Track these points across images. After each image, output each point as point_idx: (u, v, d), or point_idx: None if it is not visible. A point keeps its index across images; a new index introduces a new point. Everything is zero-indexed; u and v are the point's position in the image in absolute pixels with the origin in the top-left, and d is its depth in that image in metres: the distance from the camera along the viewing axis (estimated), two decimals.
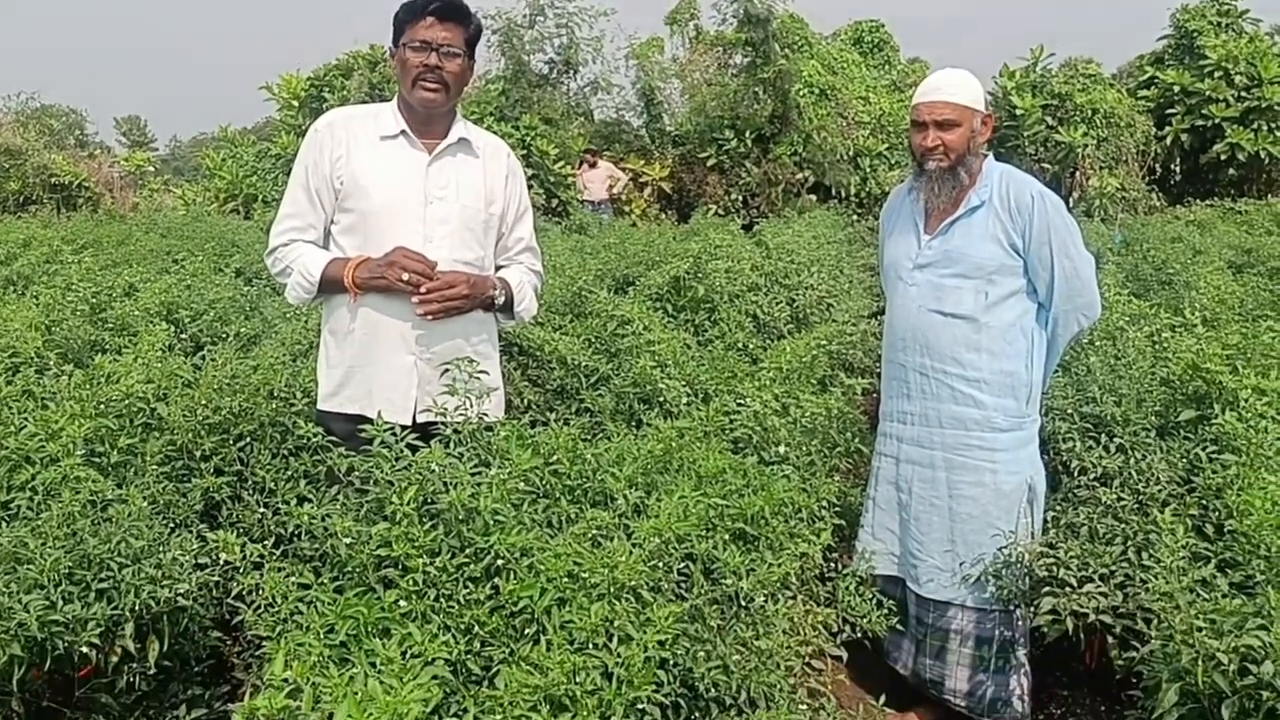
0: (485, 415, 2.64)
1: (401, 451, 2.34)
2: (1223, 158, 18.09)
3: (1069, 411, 3.62)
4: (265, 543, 2.36)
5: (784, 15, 17.81)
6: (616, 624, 2.01)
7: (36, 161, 18.09)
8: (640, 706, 1.93)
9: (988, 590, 3.14)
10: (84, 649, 2.28)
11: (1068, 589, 2.76)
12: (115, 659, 2.38)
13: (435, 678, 1.83)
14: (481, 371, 2.71)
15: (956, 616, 3.27)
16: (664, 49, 19.96)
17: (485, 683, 1.98)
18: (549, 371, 4.29)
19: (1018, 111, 17.88)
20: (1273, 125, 17.87)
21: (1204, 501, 2.94)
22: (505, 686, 1.85)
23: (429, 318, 2.76)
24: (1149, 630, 2.38)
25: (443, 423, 2.60)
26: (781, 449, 3.27)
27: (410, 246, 2.77)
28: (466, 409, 2.61)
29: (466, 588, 2.10)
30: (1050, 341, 3.29)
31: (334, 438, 2.64)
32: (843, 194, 17.80)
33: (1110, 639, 2.71)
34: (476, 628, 2.04)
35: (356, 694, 1.73)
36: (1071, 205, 15.30)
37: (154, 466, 2.94)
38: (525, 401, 4.15)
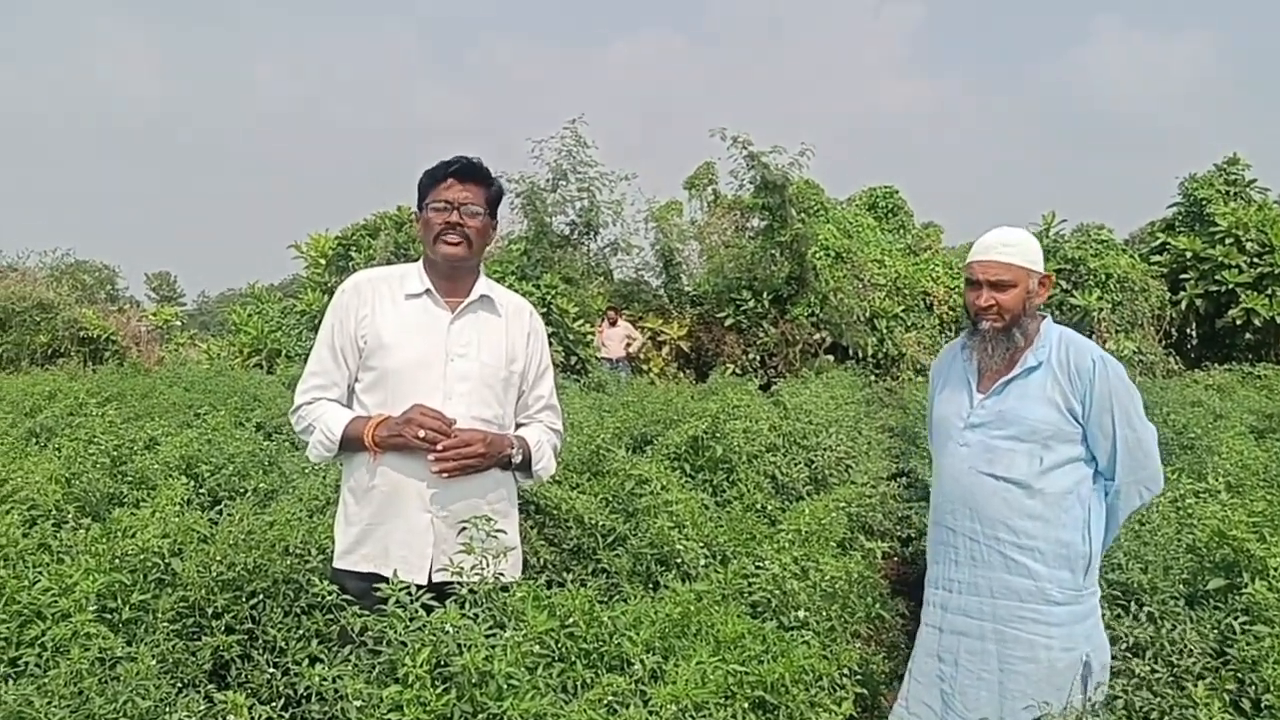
0: (502, 575, 2.61)
1: (416, 612, 2.31)
2: (1238, 323, 18.23)
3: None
4: (274, 704, 2.31)
5: (800, 181, 18.28)
6: None
7: (67, 315, 18.49)
8: None
9: None
10: None
11: None
12: None
13: None
14: (499, 530, 2.69)
15: None
16: (683, 212, 20.51)
17: None
18: (565, 531, 4.26)
19: None
20: None
21: (1239, 675, 2.85)
22: None
23: (445, 476, 2.76)
24: None
25: (459, 582, 2.57)
26: (801, 613, 3.20)
27: (430, 403, 2.80)
28: (483, 568, 2.58)
29: None
30: (1109, 513, 3.11)
31: (348, 595, 2.60)
32: (860, 354, 17.95)
33: None
34: None
35: None
36: None
37: (165, 623, 2.91)
38: (541, 561, 4.11)
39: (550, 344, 3.29)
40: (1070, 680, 2.99)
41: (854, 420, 8.26)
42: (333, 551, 2.99)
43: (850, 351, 17.91)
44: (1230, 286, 18.42)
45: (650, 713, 2.15)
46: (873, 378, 16.98)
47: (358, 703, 2.11)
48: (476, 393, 2.88)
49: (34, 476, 4.31)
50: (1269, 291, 18.16)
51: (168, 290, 66.68)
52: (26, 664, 2.62)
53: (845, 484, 5.44)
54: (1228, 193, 19.97)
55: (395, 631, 2.27)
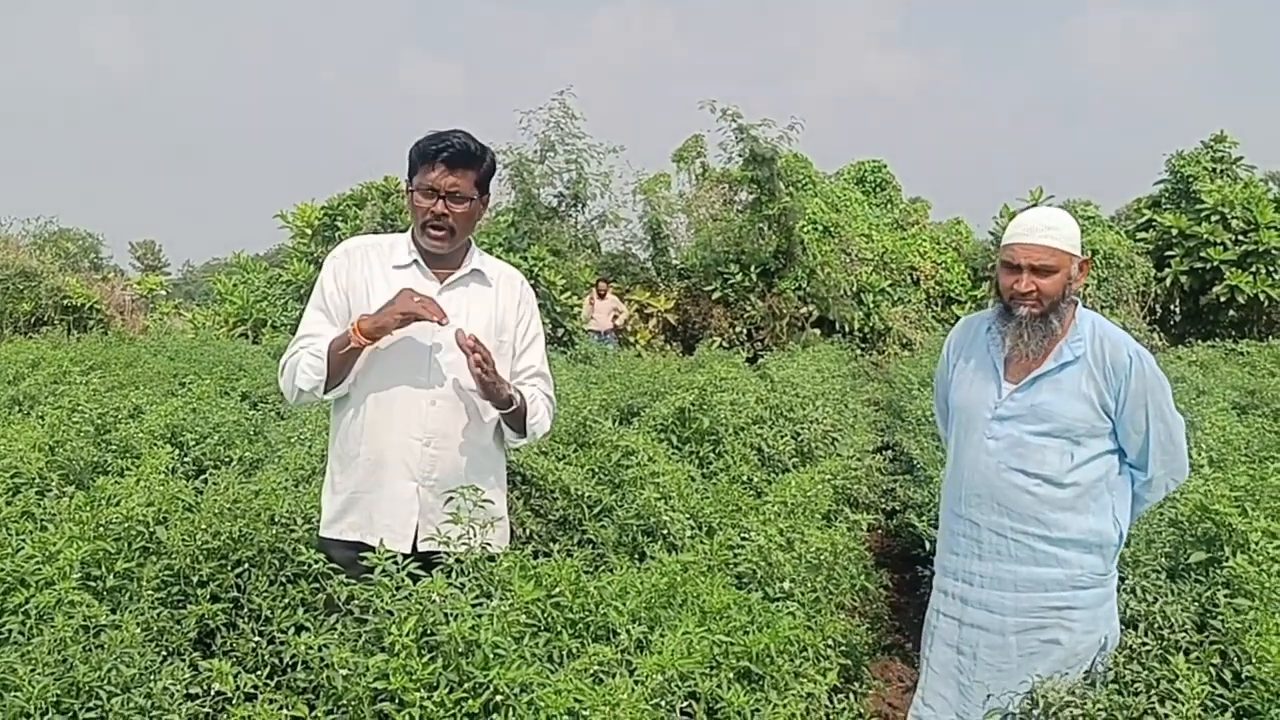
0: (489, 545, 2.61)
1: (402, 580, 2.31)
2: (1222, 300, 18.33)
3: None
4: (259, 673, 2.31)
5: (788, 155, 18.23)
6: None
7: (50, 283, 18.34)
8: None
9: None
10: None
11: None
12: None
13: None
14: (486, 500, 2.69)
15: None
16: (671, 185, 20.42)
17: None
18: (552, 501, 4.26)
19: None
20: (1270, 269, 18.14)
21: (1223, 647, 2.87)
22: None
23: (475, 369, 2.72)
24: None
25: (445, 552, 2.57)
26: (786, 585, 3.22)
27: (417, 375, 2.80)
28: (469, 538, 2.58)
29: None
30: (1134, 501, 3.06)
31: (334, 564, 2.60)
32: (846, 329, 17.96)
33: None
34: None
35: None
36: None
37: (149, 592, 2.90)
38: (528, 532, 4.11)
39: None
40: (1087, 662, 2.97)
41: (840, 394, 8.28)
42: (319, 520, 2.98)
43: (837, 325, 17.92)
44: (1215, 264, 18.49)
45: (636, 682, 2.16)
46: (859, 352, 17.00)
47: (344, 671, 2.12)
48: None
49: (17, 444, 4.29)
50: (1253, 269, 18.23)
51: (152, 259, 66.15)
52: (10, 631, 2.61)
53: (831, 457, 5.46)
54: (1214, 170, 20.01)
55: (381, 600, 2.27)
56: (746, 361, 10.93)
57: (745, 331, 17.46)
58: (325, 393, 2.87)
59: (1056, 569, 2.94)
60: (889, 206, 22.95)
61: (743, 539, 3.40)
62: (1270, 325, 18.27)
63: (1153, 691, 2.74)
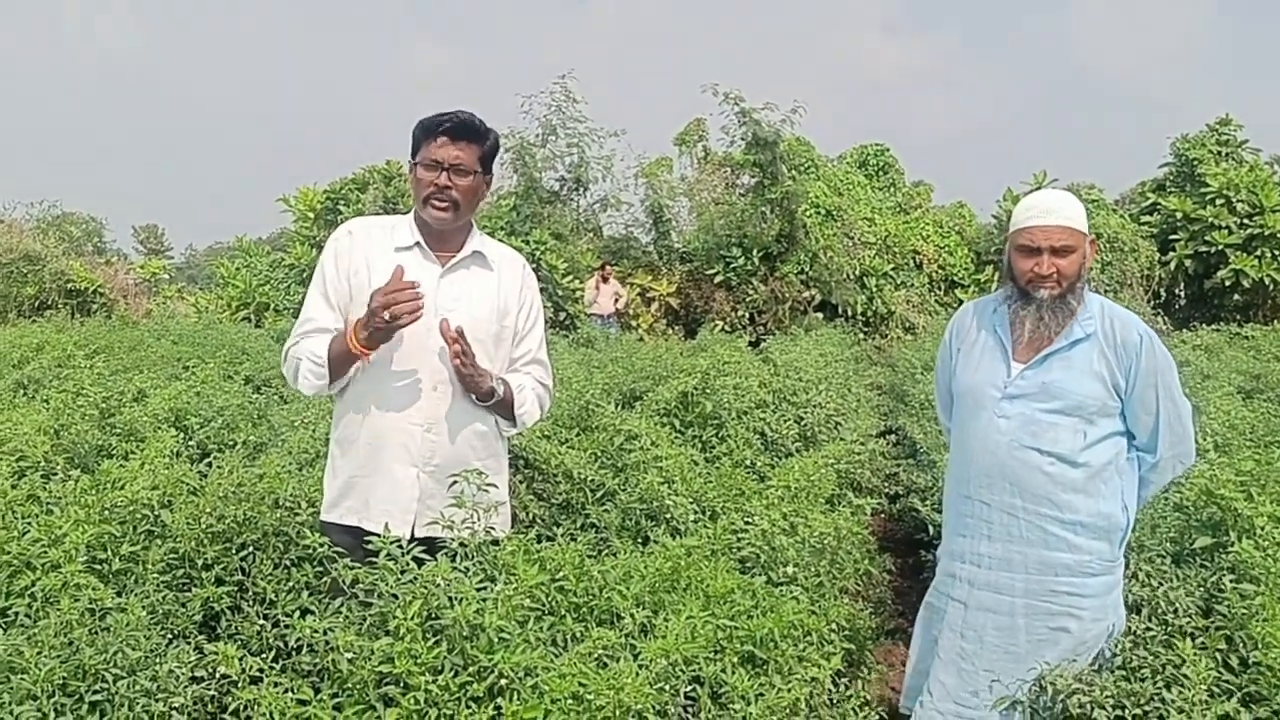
0: (492, 529, 2.61)
1: (406, 565, 2.31)
2: (1227, 283, 18.29)
3: None
4: (264, 656, 2.32)
5: (791, 138, 18.18)
6: None
7: (54, 267, 18.35)
8: None
9: None
10: None
11: None
12: None
13: None
14: (490, 484, 2.69)
15: None
16: (673, 168, 20.38)
17: None
18: (555, 485, 4.26)
19: None
20: (1276, 253, 18.09)
21: (1229, 633, 2.87)
22: None
23: (455, 363, 2.72)
24: None
25: (446, 538, 2.57)
26: (790, 569, 3.22)
27: (418, 358, 2.79)
28: (471, 522, 2.58)
29: (469, 708, 2.05)
30: (1142, 485, 3.06)
31: (335, 548, 2.60)
32: (849, 312, 17.95)
33: None
34: None
35: None
36: None
37: (155, 575, 2.90)
38: (530, 516, 4.12)
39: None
40: (1096, 648, 2.96)
41: (843, 378, 8.28)
42: (322, 504, 2.99)
43: (839, 309, 17.90)
44: (1220, 247, 18.46)
45: (640, 666, 2.17)
46: (862, 336, 17.01)
47: (349, 655, 2.12)
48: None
49: (22, 428, 4.30)
50: (1258, 253, 18.20)
51: (155, 243, 66.24)
52: (16, 614, 2.62)
53: (834, 441, 5.46)
54: (1219, 153, 19.96)
55: (386, 584, 2.27)
56: (749, 346, 10.92)
57: (747, 315, 17.44)
58: (329, 390, 2.89)
59: (1066, 554, 2.93)
60: (892, 190, 22.89)
61: (746, 523, 3.40)
62: (1275, 309, 18.24)
63: (1158, 677, 2.73)
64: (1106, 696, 2.67)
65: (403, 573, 2.30)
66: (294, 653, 2.44)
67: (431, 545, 2.59)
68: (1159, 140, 20.98)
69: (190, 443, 4.76)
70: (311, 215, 19.21)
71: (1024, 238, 2.95)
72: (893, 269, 19.39)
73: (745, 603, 2.62)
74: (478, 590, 2.28)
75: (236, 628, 2.94)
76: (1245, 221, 18.47)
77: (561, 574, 2.56)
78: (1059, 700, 2.75)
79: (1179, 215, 19.20)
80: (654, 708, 2.08)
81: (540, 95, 17.28)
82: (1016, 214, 3.02)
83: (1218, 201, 18.68)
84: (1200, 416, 5.52)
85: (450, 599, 2.24)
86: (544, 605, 2.47)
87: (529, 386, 3.00)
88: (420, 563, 2.34)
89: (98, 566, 2.93)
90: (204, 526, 3.11)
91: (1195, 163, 19.70)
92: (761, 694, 2.33)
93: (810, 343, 10.71)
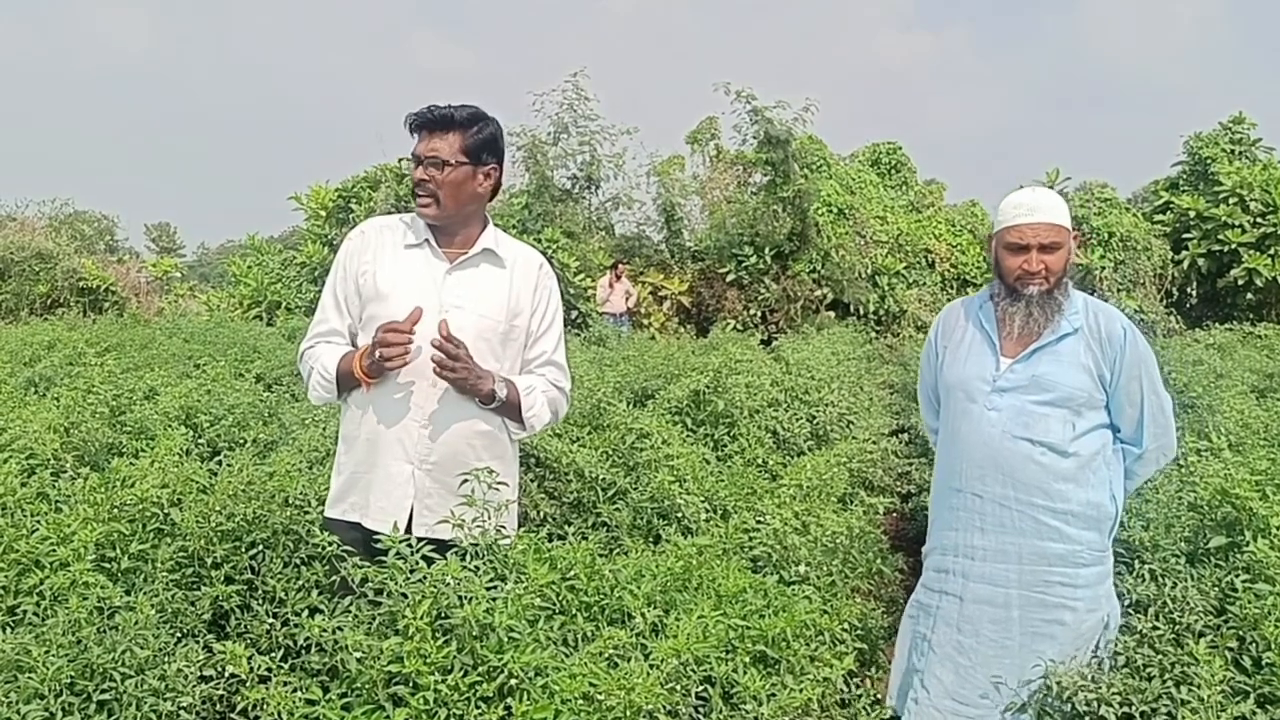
0: (503, 528, 2.59)
1: (416, 564, 2.30)
2: (1240, 282, 18.21)
3: None
4: (273, 654, 2.30)
5: (803, 137, 18.16)
6: None
7: (66, 266, 18.45)
8: None
9: None
10: None
11: None
12: None
13: None
14: (501, 483, 2.67)
15: None
16: (685, 167, 20.37)
17: None
18: (566, 484, 4.25)
19: None
20: None
21: (1240, 633, 2.85)
22: None
23: (436, 366, 2.71)
24: None
25: (443, 537, 2.56)
26: (802, 568, 3.20)
27: (422, 357, 2.75)
28: (474, 522, 2.55)
29: (479, 708, 2.04)
30: (1127, 477, 3.12)
31: (346, 547, 2.59)
32: (861, 311, 17.92)
33: None
34: None
35: None
36: None
37: (164, 573, 2.90)
38: (541, 514, 4.10)
39: None
40: (1091, 642, 2.99)
41: (855, 376, 8.26)
42: None
43: (852, 308, 17.88)
44: (1233, 246, 18.39)
45: (651, 666, 2.15)
46: (874, 334, 16.97)
47: (358, 654, 2.11)
48: (472, 346, 2.80)
49: (32, 426, 4.30)
50: (1271, 251, 18.12)
51: (167, 241, 66.53)
52: (24, 613, 2.61)
53: (846, 439, 5.44)
54: (1233, 152, 19.87)
55: (395, 583, 2.26)
56: (761, 344, 10.90)
57: (759, 314, 17.43)
58: (337, 401, 2.96)
59: (1058, 543, 2.98)
60: (904, 188, 22.85)
61: (758, 522, 3.39)
62: None
63: (1167, 676, 2.72)
64: (1114, 693, 2.67)
65: (412, 572, 2.28)
66: (303, 652, 2.42)
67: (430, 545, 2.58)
68: (1172, 139, 20.87)
69: (200, 441, 4.77)
70: (323, 213, 19.25)
71: (1012, 235, 3.04)
72: (905, 268, 19.35)
73: (757, 602, 2.61)
74: (488, 589, 2.27)
75: (245, 626, 2.93)
76: (1259, 220, 18.40)
77: (572, 573, 2.55)
78: (1065, 698, 2.74)
79: (1192, 214, 19.14)
80: (665, 708, 2.06)
81: (552, 93, 17.31)
82: (1002, 212, 3.09)
83: (1231, 200, 18.61)
84: (1214, 416, 5.49)
85: (460, 598, 2.22)
86: (554, 604, 2.45)
87: (539, 389, 2.95)
88: (431, 561, 2.32)
89: (106, 565, 2.92)
90: (213, 525, 3.10)
91: (1208, 161, 19.63)
92: (774, 694, 2.31)
93: (822, 341, 10.70)
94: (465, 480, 2.66)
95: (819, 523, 3.45)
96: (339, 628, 2.22)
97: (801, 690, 2.36)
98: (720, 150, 20.23)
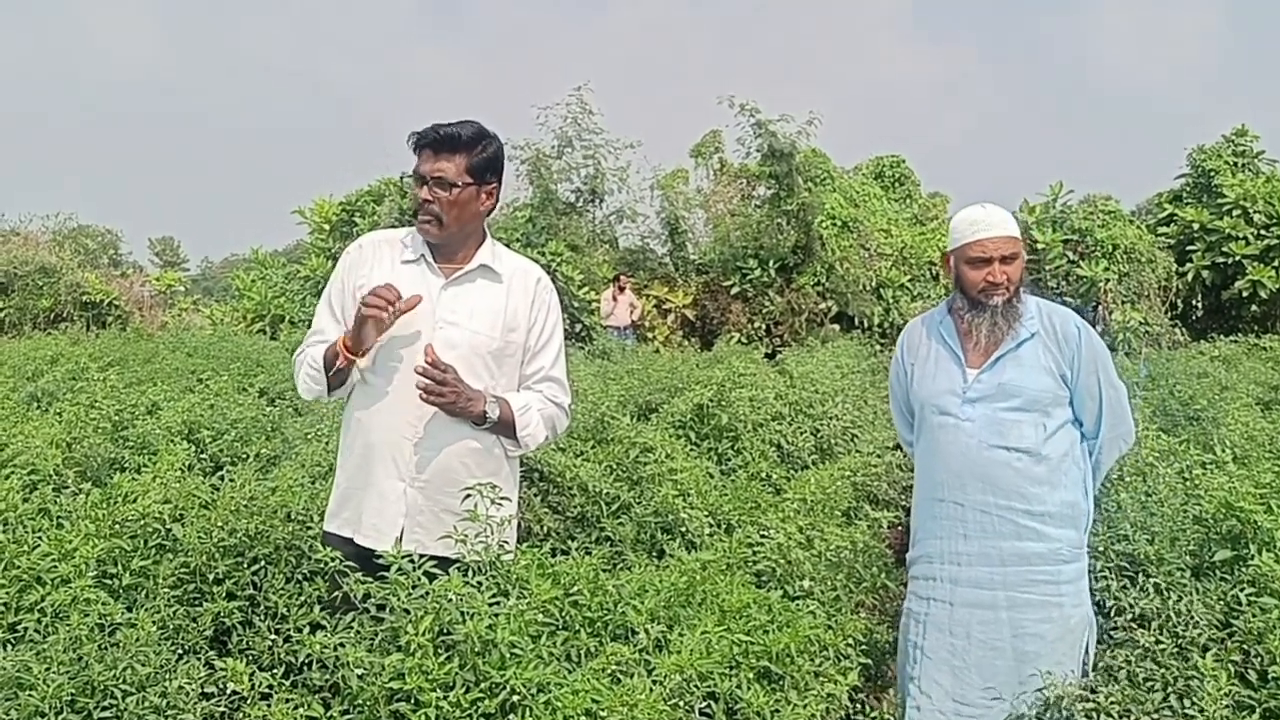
0: (505, 544, 2.58)
1: (418, 579, 2.29)
2: (1245, 294, 18.19)
3: (1101, 549, 3.53)
4: (275, 671, 2.29)
5: (807, 150, 18.15)
6: None
7: (70, 280, 18.49)
8: None
9: None
10: None
11: None
12: None
13: None
14: (504, 497, 2.66)
15: None
16: (689, 180, 20.38)
17: None
18: (569, 498, 4.24)
19: (1039, 246, 18.08)
20: None
21: (1245, 646, 2.83)
22: None
23: (421, 397, 2.70)
24: None
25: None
26: (806, 583, 3.19)
27: (411, 372, 2.74)
28: (469, 539, 2.54)
29: None
30: (1094, 469, 3.23)
31: (348, 563, 2.58)
32: (866, 324, 17.90)
33: None
34: None
35: None
36: None
37: (165, 590, 2.89)
38: (545, 529, 4.09)
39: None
40: (1082, 637, 3.07)
41: (859, 390, 8.23)
42: None
43: (856, 321, 17.85)
44: (1237, 258, 18.35)
45: (655, 682, 2.14)
46: (878, 347, 16.92)
47: (359, 671, 2.10)
48: (465, 361, 2.80)
49: (35, 441, 4.30)
50: (1276, 263, 18.09)
51: (171, 255, 66.63)
52: (26, 629, 2.60)
53: (851, 453, 5.43)
54: (1236, 164, 19.84)
55: (398, 599, 2.25)
56: (765, 357, 10.89)
57: (764, 327, 17.40)
58: (329, 396, 2.93)
59: (1039, 543, 3.08)
60: (908, 201, 22.90)
61: (762, 537, 3.38)
62: None
63: (1170, 689, 2.71)
64: (1112, 703, 2.68)
65: (414, 588, 2.27)
66: (304, 668, 2.41)
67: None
68: (1175, 151, 20.88)
69: (203, 456, 4.76)
70: (327, 227, 19.31)
71: (975, 250, 3.18)
72: (909, 280, 19.32)
73: (761, 617, 2.59)
74: (490, 605, 2.26)
75: (247, 643, 2.92)
76: (1262, 232, 18.37)
77: (576, 588, 2.54)
78: (1064, 709, 2.75)
79: (1196, 226, 19.10)
80: None
81: (556, 107, 17.32)
82: (959, 229, 3.24)
83: (1234, 212, 18.58)
84: (1219, 429, 5.47)
85: (462, 614, 2.22)
86: (557, 620, 2.44)
87: (535, 406, 2.93)
88: (434, 578, 2.31)
89: (108, 581, 2.92)
90: (215, 540, 3.10)
91: (1211, 173, 19.59)
92: (778, 710, 2.30)
93: (827, 354, 10.67)
94: (468, 495, 2.65)
95: (823, 537, 3.43)
96: (340, 644, 2.21)
97: (806, 706, 2.35)
98: (724, 163, 20.25)
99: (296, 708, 2.10)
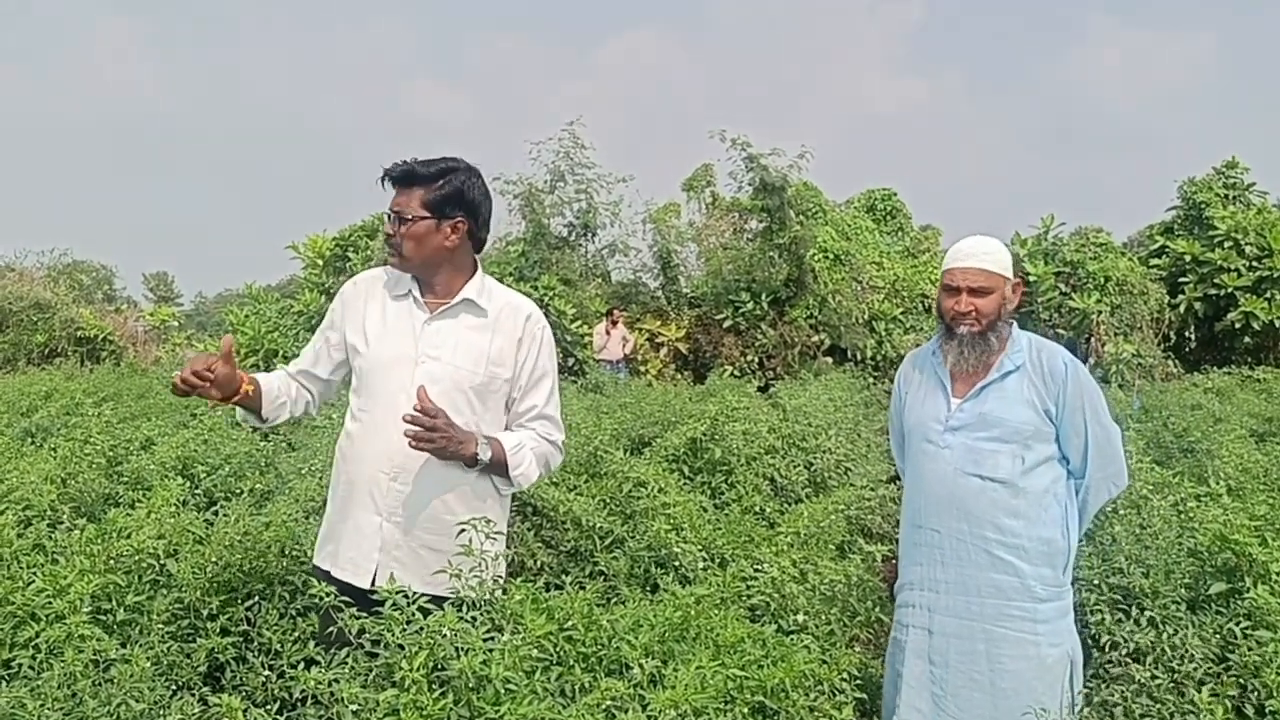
0: (499, 578, 2.58)
1: (412, 614, 2.29)
2: (1237, 326, 18.26)
3: (1095, 583, 3.53)
4: (269, 707, 2.28)
5: (798, 183, 18.25)
6: None
7: (64, 315, 18.49)
8: None
9: None
10: None
11: None
12: None
13: None
14: (497, 532, 2.66)
15: None
16: (681, 214, 20.47)
17: None
18: (563, 533, 4.24)
19: (1031, 278, 18.16)
20: None
21: (1242, 680, 2.83)
22: None
23: (410, 444, 2.67)
24: None
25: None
26: (800, 617, 3.19)
27: (398, 405, 2.73)
28: (470, 573, 2.54)
29: None
30: (1081, 510, 3.21)
31: (343, 597, 2.58)
32: (858, 357, 17.94)
33: None
34: None
35: None
36: (1089, 371, 15.40)
37: (159, 625, 2.88)
38: (539, 563, 4.09)
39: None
40: (1061, 676, 3.05)
41: (853, 422, 8.25)
42: None
43: (849, 354, 17.89)
44: (1229, 290, 18.44)
45: (649, 717, 2.13)
46: (871, 380, 16.92)
47: (354, 706, 2.09)
48: (446, 396, 2.78)
49: (29, 477, 4.29)
50: (1268, 295, 18.18)
51: (165, 290, 66.57)
52: (20, 666, 2.59)
53: (844, 486, 5.42)
54: (1227, 196, 19.98)
55: (392, 634, 2.24)
56: (758, 390, 10.89)
57: (757, 360, 17.43)
58: (261, 424, 3.04)
59: (1013, 577, 3.09)
60: (900, 234, 23.00)
61: (756, 571, 3.37)
62: None
63: None
64: None
65: (408, 623, 2.27)
66: (299, 704, 2.40)
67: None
68: (1166, 183, 21.00)
69: (197, 491, 4.75)
70: (321, 262, 19.31)
71: (948, 278, 3.24)
72: (902, 313, 19.40)
73: (755, 652, 2.59)
74: (484, 640, 2.26)
75: (241, 678, 2.90)
76: (1254, 264, 18.47)
77: (570, 623, 2.53)
78: None
79: (1187, 258, 19.20)
80: None
81: (549, 141, 17.41)
82: (946, 257, 3.30)
83: (1226, 244, 18.69)
84: (1213, 460, 5.48)
85: (456, 649, 2.21)
86: (552, 655, 2.44)
87: (528, 445, 2.91)
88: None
89: (102, 617, 2.91)
90: (209, 576, 3.10)
91: (1203, 205, 19.71)
92: None
93: (820, 387, 10.68)
94: (462, 531, 2.65)
95: (817, 571, 3.43)
96: (335, 680, 2.21)
97: None
98: (716, 197, 20.36)
99: None
